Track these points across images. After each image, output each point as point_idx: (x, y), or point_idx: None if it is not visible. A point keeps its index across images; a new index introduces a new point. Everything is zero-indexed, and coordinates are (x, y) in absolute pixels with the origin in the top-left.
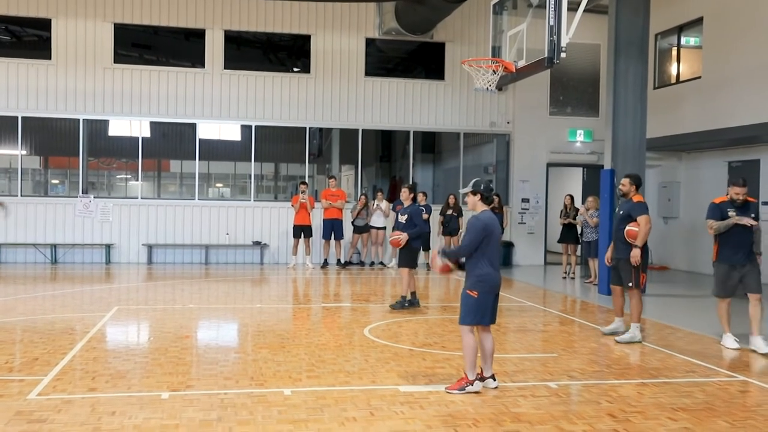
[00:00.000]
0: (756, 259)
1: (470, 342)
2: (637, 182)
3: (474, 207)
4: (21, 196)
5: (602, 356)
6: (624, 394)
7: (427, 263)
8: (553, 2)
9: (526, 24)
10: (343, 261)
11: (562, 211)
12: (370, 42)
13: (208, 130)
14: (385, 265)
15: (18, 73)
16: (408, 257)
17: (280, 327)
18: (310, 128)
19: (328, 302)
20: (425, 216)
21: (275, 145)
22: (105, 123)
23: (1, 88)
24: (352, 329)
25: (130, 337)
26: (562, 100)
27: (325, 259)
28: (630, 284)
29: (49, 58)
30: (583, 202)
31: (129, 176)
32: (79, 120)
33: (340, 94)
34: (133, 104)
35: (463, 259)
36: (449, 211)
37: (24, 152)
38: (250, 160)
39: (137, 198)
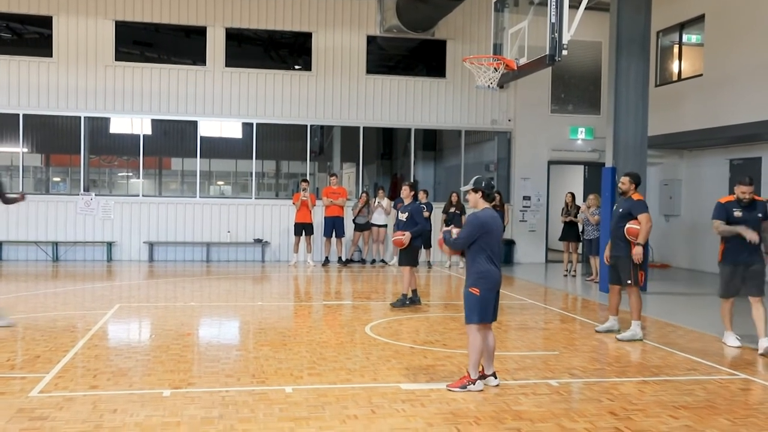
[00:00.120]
0: (764, 260)
1: (477, 342)
2: (637, 181)
3: (475, 204)
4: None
5: (603, 354)
6: (625, 392)
7: (428, 261)
8: (554, 0)
9: (528, 21)
10: (344, 259)
11: (563, 209)
12: (371, 39)
13: (209, 128)
14: (386, 263)
15: (19, 70)
16: (409, 255)
17: (282, 325)
18: (311, 126)
19: (329, 300)
20: (426, 214)
21: (276, 142)
22: (106, 120)
23: (3, 86)
24: (353, 327)
25: (132, 335)
26: (563, 97)
27: (327, 257)
28: (629, 282)
29: (51, 56)
30: (585, 199)
31: (130, 174)
32: (80, 117)
33: (341, 91)
34: (134, 102)
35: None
36: (452, 209)
37: (25, 150)
38: (252, 158)
39: (138, 196)
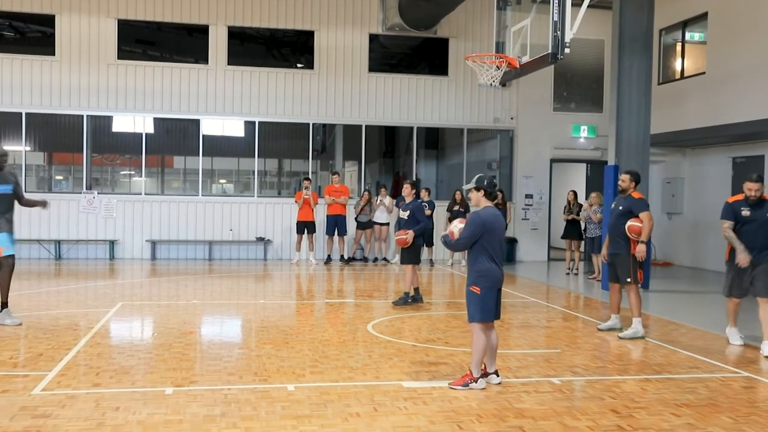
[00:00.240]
0: None
1: (480, 340)
2: (637, 179)
3: (477, 203)
4: (25, 192)
5: (605, 352)
6: (627, 390)
7: (431, 259)
8: None
9: (530, 19)
10: (346, 257)
11: (565, 207)
12: (373, 38)
13: (211, 126)
14: (388, 261)
15: (22, 69)
16: (411, 253)
17: (284, 323)
18: (313, 124)
19: (331, 298)
20: (428, 212)
21: (279, 141)
22: (109, 119)
23: (5, 85)
24: (355, 325)
25: (134, 333)
26: (565, 95)
27: (329, 255)
28: (628, 279)
29: (53, 55)
30: (587, 198)
31: (133, 172)
32: (82, 116)
33: (343, 89)
34: (136, 100)
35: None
36: (456, 207)
37: (28, 148)
38: (254, 156)
39: (141, 194)
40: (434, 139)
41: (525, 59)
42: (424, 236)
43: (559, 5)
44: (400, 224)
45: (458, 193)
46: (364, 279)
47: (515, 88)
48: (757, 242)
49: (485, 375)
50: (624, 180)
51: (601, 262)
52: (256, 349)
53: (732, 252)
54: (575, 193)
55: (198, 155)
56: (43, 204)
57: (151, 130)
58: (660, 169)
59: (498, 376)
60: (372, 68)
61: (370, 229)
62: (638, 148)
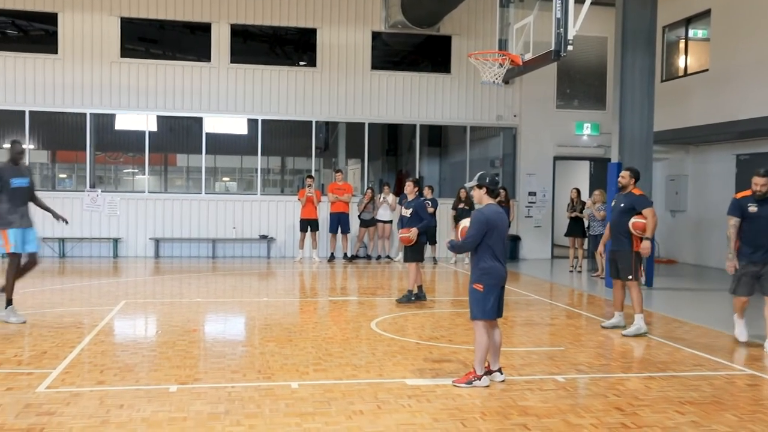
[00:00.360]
0: None
1: (483, 338)
2: (637, 176)
3: (480, 200)
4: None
5: (609, 350)
6: (631, 388)
7: (434, 257)
8: None
9: (533, 17)
10: (349, 255)
11: (568, 205)
12: (376, 35)
13: (214, 124)
14: (391, 259)
15: (25, 67)
16: (414, 251)
17: (287, 320)
18: (316, 122)
19: (334, 296)
20: (430, 209)
21: (281, 139)
22: (112, 117)
23: (9, 83)
24: (358, 323)
25: (138, 331)
26: (569, 93)
27: (332, 253)
28: (630, 277)
29: (56, 53)
30: (590, 195)
31: (136, 170)
32: (86, 114)
33: (346, 87)
34: (139, 98)
35: None
36: (461, 205)
37: (31, 147)
38: (257, 154)
39: (144, 192)
40: (437, 137)
41: (528, 57)
42: (427, 234)
43: (561, 2)
44: (403, 222)
45: (463, 191)
46: (368, 277)
47: (518, 85)
48: (764, 239)
49: (489, 373)
50: (624, 176)
51: (604, 259)
52: (260, 346)
53: (740, 250)
54: (578, 191)
55: (201, 153)
56: (60, 218)
57: (154, 128)
58: (663, 166)
59: (502, 373)
60: (375, 66)
61: (373, 226)
62: (641, 145)
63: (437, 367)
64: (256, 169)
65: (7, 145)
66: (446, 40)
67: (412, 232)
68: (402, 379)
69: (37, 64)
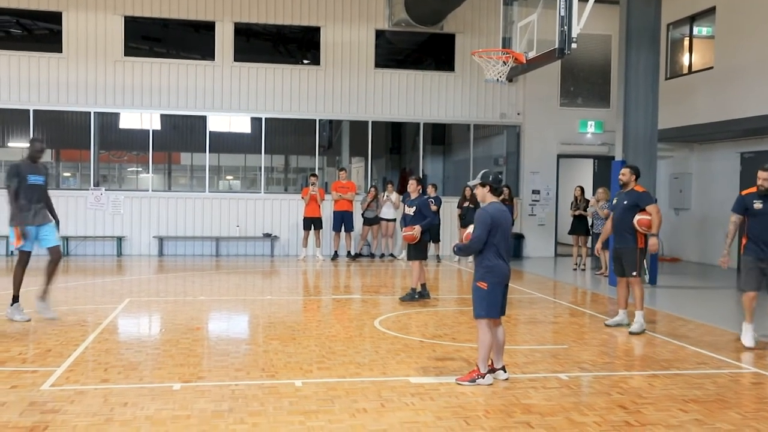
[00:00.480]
0: None
1: (486, 336)
2: (637, 173)
3: (483, 199)
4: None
5: (613, 348)
6: (635, 386)
7: (437, 255)
8: None
9: (537, 14)
10: (353, 253)
11: (572, 203)
12: (379, 33)
13: (218, 123)
14: (395, 257)
15: (29, 66)
16: (418, 249)
17: (291, 319)
18: (320, 120)
19: (338, 294)
20: (434, 207)
21: (285, 137)
22: (116, 116)
23: (13, 82)
24: (362, 321)
25: (142, 329)
26: (572, 91)
27: (336, 251)
28: (634, 273)
29: (60, 52)
30: (594, 193)
31: (140, 169)
32: (90, 113)
33: (350, 86)
34: (143, 97)
35: None
36: (466, 203)
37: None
38: (261, 153)
39: (148, 190)
40: (441, 135)
41: (532, 54)
42: (431, 232)
43: (566, 0)
44: (406, 220)
45: (468, 189)
46: (371, 275)
47: (522, 83)
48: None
49: (492, 371)
50: (624, 174)
51: (608, 257)
52: (264, 344)
53: (747, 245)
54: (582, 189)
55: (205, 152)
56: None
57: (158, 126)
58: (667, 164)
59: (505, 371)
60: (378, 64)
61: (377, 225)
62: (645, 143)
63: (441, 366)
64: (260, 168)
65: (12, 144)
66: (450, 38)
67: (416, 230)
68: (405, 377)
69: (42, 63)
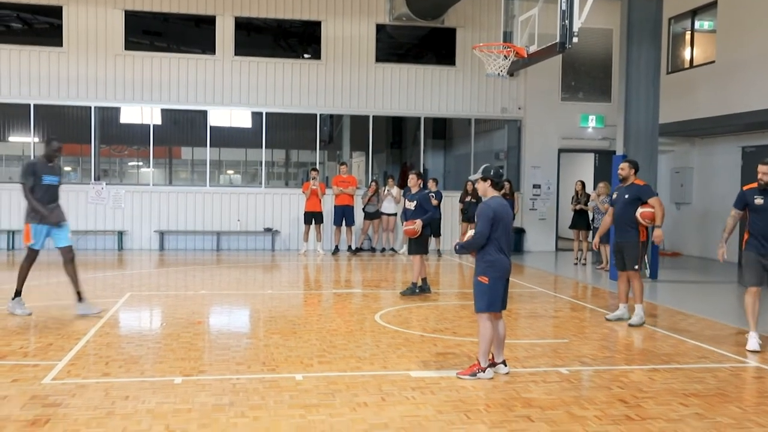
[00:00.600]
0: None
1: (487, 330)
2: (636, 166)
3: (484, 193)
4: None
5: (613, 342)
6: (635, 380)
7: (438, 249)
8: None
9: (538, 9)
10: (354, 247)
11: (573, 197)
12: (380, 28)
13: (219, 117)
14: (396, 251)
15: (30, 60)
16: (419, 244)
17: (292, 313)
18: (320, 115)
19: (339, 288)
20: (434, 202)
21: (286, 131)
22: (116, 110)
23: (13, 76)
24: (363, 315)
25: (143, 323)
26: (573, 85)
27: (336, 246)
28: (636, 267)
29: (61, 46)
30: (595, 188)
31: (141, 163)
32: (90, 107)
33: (350, 80)
34: (144, 91)
35: None
36: (468, 198)
37: (36, 140)
38: (261, 147)
39: (149, 185)
40: (442, 130)
41: (533, 49)
42: (432, 226)
43: None
44: (407, 215)
45: (470, 183)
46: (372, 269)
47: (523, 77)
48: None
49: (493, 365)
50: (623, 168)
51: (609, 252)
52: (264, 338)
53: (749, 241)
54: (583, 183)
55: (205, 146)
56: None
57: (158, 121)
58: (669, 158)
59: (506, 366)
60: (379, 58)
61: (378, 219)
62: (647, 137)
63: (441, 360)
64: (261, 162)
65: (12, 138)
66: (451, 33)
67: (417, 224)
68: (406, 371)
69: (42, 58)
